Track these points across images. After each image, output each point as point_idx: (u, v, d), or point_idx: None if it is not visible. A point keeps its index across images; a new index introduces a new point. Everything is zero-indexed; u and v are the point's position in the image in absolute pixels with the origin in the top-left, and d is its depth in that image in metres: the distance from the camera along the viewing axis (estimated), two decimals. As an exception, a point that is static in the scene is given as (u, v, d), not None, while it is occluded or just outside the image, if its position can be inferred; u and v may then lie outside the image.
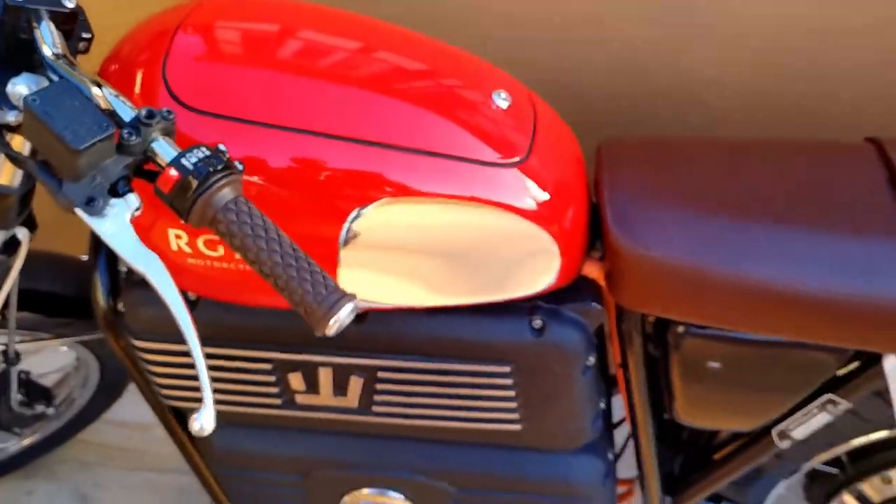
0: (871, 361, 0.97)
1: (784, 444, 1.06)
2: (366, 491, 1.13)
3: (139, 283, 0.97)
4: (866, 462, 1.18)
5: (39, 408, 1.33)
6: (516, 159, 0.86)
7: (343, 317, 0.66)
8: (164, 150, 0.68)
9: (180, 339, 0.99)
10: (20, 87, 0.71)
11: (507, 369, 0.97)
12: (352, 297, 0.66)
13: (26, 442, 1.50)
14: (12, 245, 0.94)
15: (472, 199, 0.84)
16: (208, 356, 0.99)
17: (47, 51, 0.74)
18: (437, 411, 1.01)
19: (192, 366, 1.00)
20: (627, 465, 1.23)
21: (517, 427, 1.02)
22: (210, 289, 0.91)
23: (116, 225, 0.67)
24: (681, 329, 0.97)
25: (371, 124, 0.83)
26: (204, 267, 0.87)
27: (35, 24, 0.75)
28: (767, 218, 0.90)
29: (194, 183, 0.66)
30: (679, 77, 1.31)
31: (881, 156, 0.95)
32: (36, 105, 0.64)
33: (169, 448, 1.71)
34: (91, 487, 1.64)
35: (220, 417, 1.07)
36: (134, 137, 0.67)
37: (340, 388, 1.00)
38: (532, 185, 0.86)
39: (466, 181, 0.84)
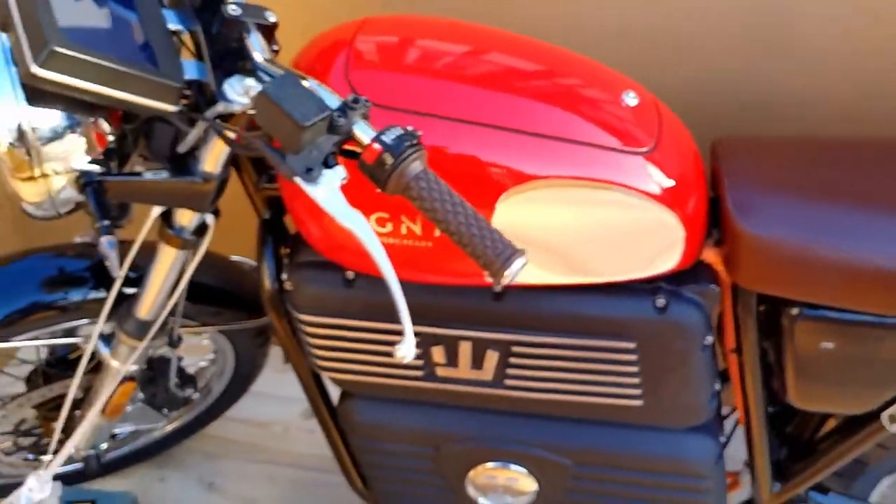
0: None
1: (895, 428, 1.12)
2: (490, 465, 1.23)
3: (306, 265, 1.11)
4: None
5: (189, 391, 1.47)
6: (645, 149, 0.97)
7: (516, 269, 0.78)
8: (364, 130, 0.81)
9: (340, 314, 1.12)
10: (249, 81, 0.85)
11: (631, 345, 1.06)
12: (522, 252, 0.78)
13: (169, 427, 1.65)
14: (202, 228, 1.09)
15: (608, 181, 0.95)
16: (362, 329, 1.12)
17: (258, 56, 0.89)
18: (565, 385, 1.11)
19: (348, 339, 1.13)
20: (731, 459, 1.29)
21: (638, 403, 1.11)
22: (371, 265, 1.04)
23: (329, 190, 0.81)
24: (794, 311, 1.05)
25: (517, 115, 0.96)
26: (372, 243, 1.00)
27: (245, 35, 0.91)
28: (874, 204, 0.98)
29: (392, 156, 0.79)
30: (769, 88, 1.41)
31: None
32: (271, 91, 0.78)
33: (284, 444, 1.86)
34: (216, 476, 1.78)
35: (366, 389, 1.19)
36: (342, 119, 0.80)
37: (477, 361, 1.11)
38: (660, 173, 0.97)
39: (603, 166, 0.95)
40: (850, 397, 1.10)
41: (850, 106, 1.43)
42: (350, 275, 1.09)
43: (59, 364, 1.43)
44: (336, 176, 0.81)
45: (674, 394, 1.10)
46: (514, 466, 1.22)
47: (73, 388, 1.25)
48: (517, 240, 0.98)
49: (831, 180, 1.01)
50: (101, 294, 1.28)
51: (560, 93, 0.99)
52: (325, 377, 1.19)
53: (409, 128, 0.81)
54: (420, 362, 1.13)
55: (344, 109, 0.81)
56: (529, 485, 1.23)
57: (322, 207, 0.81)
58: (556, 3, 1.39)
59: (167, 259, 1.11)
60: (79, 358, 1.43)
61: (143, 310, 1.18)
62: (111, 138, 0.96)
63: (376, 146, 0.79)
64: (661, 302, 1.04)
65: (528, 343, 1.08)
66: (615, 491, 1.22)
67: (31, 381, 1.42)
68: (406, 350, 0.82)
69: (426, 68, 0.99)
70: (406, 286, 1.08)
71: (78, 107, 0.92)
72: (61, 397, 1.40)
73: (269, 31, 0.93)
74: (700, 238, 1.03)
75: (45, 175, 0.92)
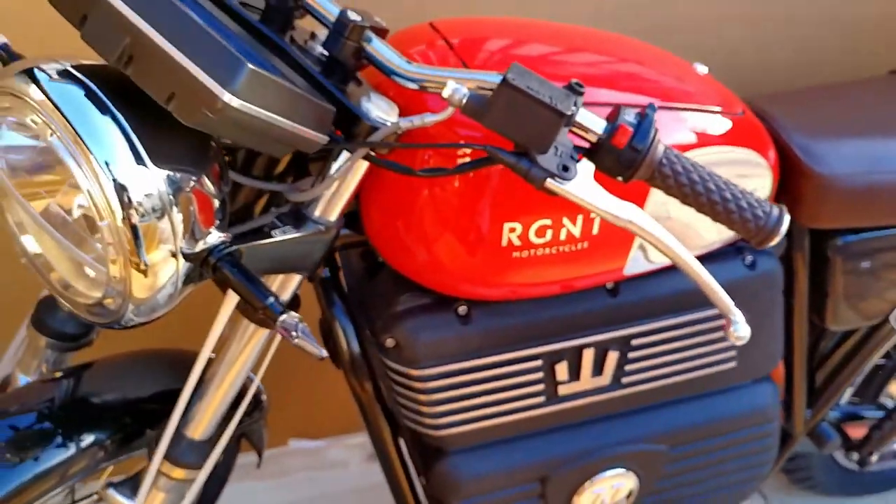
0: None
1: (901, 326, 1.29)
2: (588, 482, 1.16)
3: (409, 313, 0.95)
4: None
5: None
6: (741, 112, 1.01)
7: (784, 228, 0.75)
8: (589, 117, 0.73)
9: (458, 356, 0.99)
10: (451, 84, 0.70)
11: (731, 308, 1.09)
12: (785, 209, 0.76)
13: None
14: (295, 301, 0.87)
15: (735, 143, 0.97)
16: (480, 369, 0.99)
17: (396, 60, 0.76)
18: (674, 367, 1.09)
19: (464, 383, 1.00)
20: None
21: (733, 364, 1.14)
22: (511, 285, 0.93)
23: (588, 185, 0.70)
24: (839, 241, 1.16)
25: (632, 91, 0.93)
26: (523, 259, 0.90)
27: (365, 43, 0.76)
28: None
29: (642, 138, 0.71)
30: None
31: None
32: (519, 82, 0.66)
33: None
34: None
35: (475, 437, 1.06)
36: (575, 107, 0.71)
37: (598, 366, 1.04)
38: (757, 133, 1.02)
39: (720, 129, 0.98)
40: (875, 309, 1.25)
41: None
42: (462, 309, 0.97)
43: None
44: (588, 169, 0.72)
45: (761, 345, 1.14)
46: (614, 471, 1.17)
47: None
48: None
49: (868, 118, 1.14)
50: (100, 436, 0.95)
51: (657, 67, 0.98)
52: (433, 435, 1.03)
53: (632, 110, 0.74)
54: (541, 387, 1.03)
55: (573, 95, 0.71)
56: (630, 484, 1.19)
57: (587, 205, 0.71)
58: None
59: (251, 344, 0.87)
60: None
61: (199, 427, 0.91)
62: (217, 203, 0.73)
63: (628, 128, 0.71)
64: (749, 259, 1.08)
65: (646, 332, 1.05)
66: (703, 463, 1.23)
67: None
68: (743, 330, 0.75)
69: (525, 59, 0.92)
70: (525, 308, 0.99)
71: (201, 159, 0.70)
72: None
73: (382, 34, 0.79)
74: (774, 192, 1.09)
75: (173, 257, 0.68)
